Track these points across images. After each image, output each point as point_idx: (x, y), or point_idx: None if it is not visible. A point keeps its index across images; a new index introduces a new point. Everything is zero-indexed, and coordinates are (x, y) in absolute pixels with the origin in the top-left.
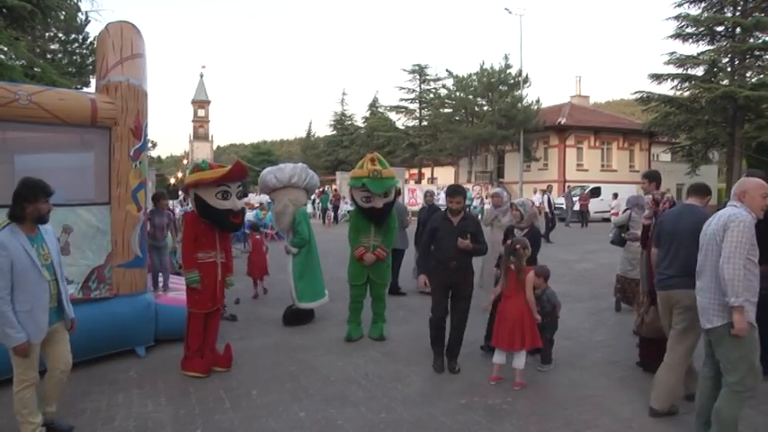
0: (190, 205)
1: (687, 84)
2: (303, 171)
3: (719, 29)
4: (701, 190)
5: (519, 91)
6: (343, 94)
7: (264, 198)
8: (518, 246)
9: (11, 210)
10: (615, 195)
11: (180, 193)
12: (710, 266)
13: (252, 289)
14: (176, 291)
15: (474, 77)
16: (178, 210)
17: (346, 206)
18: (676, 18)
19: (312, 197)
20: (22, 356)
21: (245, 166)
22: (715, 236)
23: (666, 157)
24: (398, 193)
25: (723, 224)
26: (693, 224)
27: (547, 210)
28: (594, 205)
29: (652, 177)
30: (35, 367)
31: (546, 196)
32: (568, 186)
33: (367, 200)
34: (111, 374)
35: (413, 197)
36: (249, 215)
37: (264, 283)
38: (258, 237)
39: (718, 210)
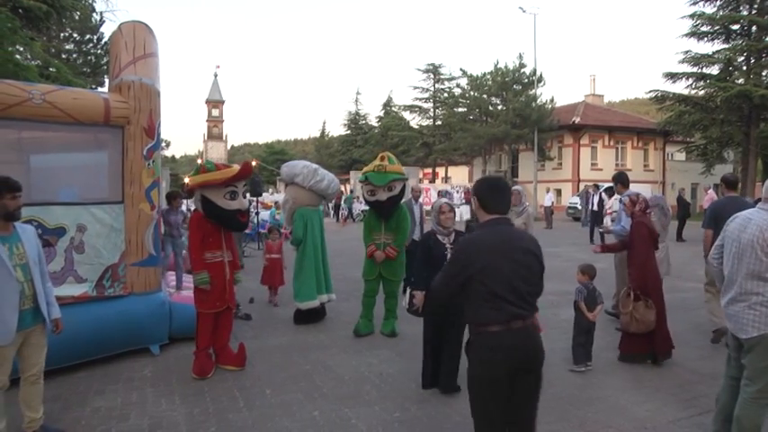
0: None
1: (702, 83)
2: (311, 173)
3: (735, 27)
4: (734, 182)
5: (533, 90)
6: (357, 93)
7: (280, 197)
8: None
9: None
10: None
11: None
12: (746, 276)
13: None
14: (190, 289)
15: (488, 77)
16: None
17: (360, 205)
18: (691, 16)
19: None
20: None
21: (252, 166)
22: (754, 247)
23: (681, 156)
24: (416, 192)
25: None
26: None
27: (595, 208)
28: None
29: (623, 180)
30: (6, 372)
31: (593, 196)
32: (585, 186)
33: (371, 193)
34: (125, 372)
35: (426, 196)
36: (264, 214)
37: (277, 299)
38: (276, 240)
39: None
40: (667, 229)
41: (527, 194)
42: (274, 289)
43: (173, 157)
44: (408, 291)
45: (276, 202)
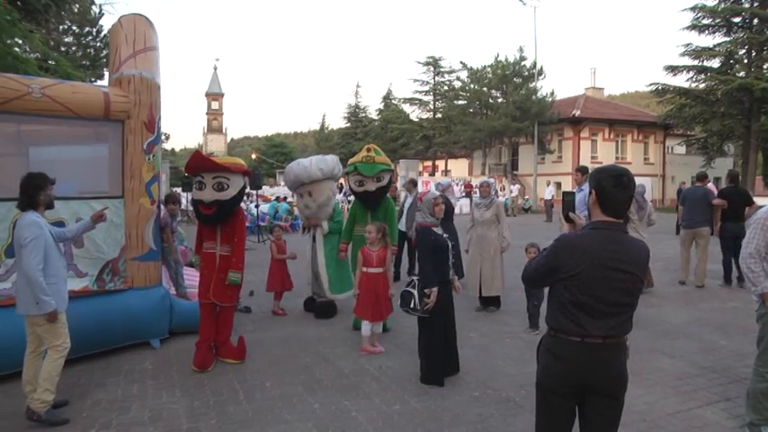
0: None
1: (703, 76)
2: (321, 162)
3: (736, 20)
4: (703, 176)
5: (533, 83)
6: (358, 86)
7: (283, 191)
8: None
9: (25, 200)
10: None
11: None
12: None
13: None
14: (192, 285)
15: (488, 69)
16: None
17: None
18: (692, 9)
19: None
20: (52, 322)
21: (202, 156)
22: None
23: (681, 149)
24: (410, 185)
25: None
26: (703, 194)
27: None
28: None
29: (585, 170)
30: (68, 333)
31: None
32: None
33: (360, 183)
34: (126, 366)
35: (426, 189)
36: (263, 207)
37: (281, 303)
38: (279, 240)
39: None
40: (644, 220)
41: (527, 188)
42: (279, 294)
43: (172, 149)
44: (416, 291)
45: (279, 197)
